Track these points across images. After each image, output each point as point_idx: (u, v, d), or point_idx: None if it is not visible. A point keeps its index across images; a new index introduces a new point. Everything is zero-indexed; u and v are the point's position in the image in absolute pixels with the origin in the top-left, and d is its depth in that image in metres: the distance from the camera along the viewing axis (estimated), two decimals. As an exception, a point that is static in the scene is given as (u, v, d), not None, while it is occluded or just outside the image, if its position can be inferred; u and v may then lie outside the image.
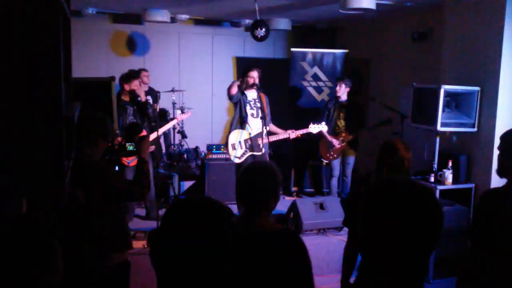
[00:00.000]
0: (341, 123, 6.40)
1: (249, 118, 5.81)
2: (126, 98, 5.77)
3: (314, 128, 5.89)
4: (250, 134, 5.78)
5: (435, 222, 1.35)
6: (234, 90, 5.73)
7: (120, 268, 2.91)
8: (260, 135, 5.67)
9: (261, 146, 5.72)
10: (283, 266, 1.95)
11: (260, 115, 5.68)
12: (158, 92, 7.16)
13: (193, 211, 1.32)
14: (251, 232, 2.02)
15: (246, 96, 5.79)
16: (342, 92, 6.33)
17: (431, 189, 1.38)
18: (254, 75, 5.73)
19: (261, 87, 5.75)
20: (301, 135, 5.88)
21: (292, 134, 5.80)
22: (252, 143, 5.79)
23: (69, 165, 1.52)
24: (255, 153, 5.79)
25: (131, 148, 3.31)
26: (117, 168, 4.59)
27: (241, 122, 5.81)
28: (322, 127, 5.95)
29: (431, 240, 1.35)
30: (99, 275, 2.73)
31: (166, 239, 1.28)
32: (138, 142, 3.11)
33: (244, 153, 5.81)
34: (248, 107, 5.80)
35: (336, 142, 6.27)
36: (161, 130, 6.26)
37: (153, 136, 6.19)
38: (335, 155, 6.41)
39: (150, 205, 6.06)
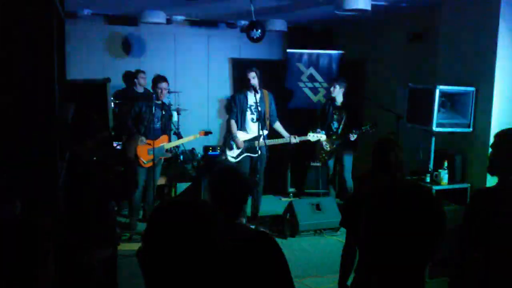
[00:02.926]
0: (334, 124, 6.40)
1: (249, 123, 5.86)
2: (156, 101, 5.78)
3: (313, 137, 5.92)
4: (248, 136, 5.82)
5: (440, 224, 1.35)
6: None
7: (105, 263, 2.97)
8: (258, 137, 5.68)
9: (257, 148, 5.73)
10: (264, 271, 1.95)
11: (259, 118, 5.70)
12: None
13: (181, 212, 1.28)
14: (234, 238, 2.01)
15: (247, 101, 5.82)
16: (337, 93, 6.32)
17: (433, 193, 1.39)
18: (250, 76, 5.74)
19: (264, 87, 5.82)
20: (300, 141, 5.91)
21: (293, 139, 5.82)
22: (249, 145, 5.82)
23: (63, 166, 1.52)
24: (251, 154, 5.82)
25: (119, 147, 3.35)
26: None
27: (241, 125, 5.87)
28: (321, 137, 5.96)
29: (434, 241, 1.36)
30: (85, 270, 2.78)
31: (153, 241, 1.25)
32: (125, 142, 3.16)
33: (240, 154, 5.84)
34: (248, 112, 5.84)
35: (325, 144, 6.26)
36: (182, 141, 6.29)
37: (176, 143, 6.25)
38: (326, 157, 6.45)
39: (148, 207, 6.05)
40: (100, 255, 2.93)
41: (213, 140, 8.37)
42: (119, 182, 3.03)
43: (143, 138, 5.61)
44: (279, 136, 5.98)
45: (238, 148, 5.84)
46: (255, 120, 5.82)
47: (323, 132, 6.05)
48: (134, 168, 3.06)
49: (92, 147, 2.95)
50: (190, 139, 6.28)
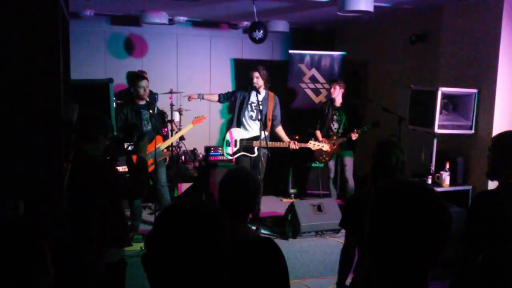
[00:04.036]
0: (334, 125, 6.41)
1: (247, 120, 5.83)
2: (140, 102, 5.53)
3: (314, 145, 5.90)
4: (247, 135, 5.80)
5: (445, 226, 1.35)
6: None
7: (117, 266, 2.95)
8: (257, 138, 5.67)
9: (255, 148, 5.72)
10: (265, 275, 1.95)
11: (259, 118, 5.67)
12: (156, 94, 7.15)
13: (187, 216, 1.27)
14: (238, 240, 2.01)
15: (249, 98, 5.82)
16: (337, 94, 6.34)
17: (437, 193, 1.38)
18: (253, 76, 5.74)
19: (270, 88, 5.83)
20: (300, 147, 5.88)
21: (292, 145, 5.78)
22: (246, 144, 5.80)
23: (68, 167, 1.52)
24: (248, 154, 5.81)
25: (130, 148, 3.33)
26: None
27: (238, 122, 5.84)
28: (322, 146, 5.94)
29: (438, 243, 1.35)
30: (96, 273, 2.76)
31: (159, 245, 1.23)
32: (137, 141, 3.15)
33: (236, 152, 5.83)
34: (248, 108, 5.83)
35: (326, 145, 6.26)
36: (178, 135, 6.23)
37: (171, 140, 6.16)
38: (327, 158, 6.45)
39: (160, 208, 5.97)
40: (113, 256, 2.92)
41: (214, 141, 8.39)
42: (132, 181, 3.03)
43: None
44: (280, 139, 5.96)
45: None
46: (254, 117, 5.80)
47: (325, 141, 6.07)
48: (146, 167, 3.07)
49: (103, 144, 2.96)
50: (185, 131, 6.22)
